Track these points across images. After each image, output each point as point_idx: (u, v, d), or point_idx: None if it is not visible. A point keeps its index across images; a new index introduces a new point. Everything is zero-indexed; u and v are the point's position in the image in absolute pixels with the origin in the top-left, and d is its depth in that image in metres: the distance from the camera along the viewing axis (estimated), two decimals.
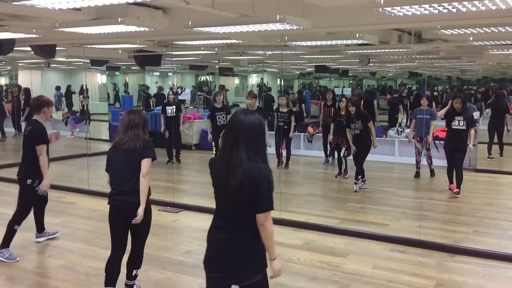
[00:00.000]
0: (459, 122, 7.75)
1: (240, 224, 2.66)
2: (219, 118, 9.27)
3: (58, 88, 18.53)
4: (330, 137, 9.48)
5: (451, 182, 7.97)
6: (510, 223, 6.54)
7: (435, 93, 18.50)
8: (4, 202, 7.04)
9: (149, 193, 3.96)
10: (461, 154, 7.79)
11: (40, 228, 5.53)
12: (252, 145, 2.66)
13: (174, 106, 10.55)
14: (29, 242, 5.37)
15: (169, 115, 10.40)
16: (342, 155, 9.10)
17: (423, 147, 8.97)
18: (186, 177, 9.64)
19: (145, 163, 3.88)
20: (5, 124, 14.33)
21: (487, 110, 13.62)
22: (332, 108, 10.28)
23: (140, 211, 3.82)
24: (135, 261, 4.07)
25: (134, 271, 4.07)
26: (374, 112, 13.44)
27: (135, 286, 4.16)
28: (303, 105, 15.62)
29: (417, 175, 9.12)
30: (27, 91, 13.91)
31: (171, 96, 10.79)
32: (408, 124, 10.75)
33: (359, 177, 8.16)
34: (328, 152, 10.39)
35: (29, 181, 5.02)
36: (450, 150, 7.90)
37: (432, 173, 9.16)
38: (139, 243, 4.06)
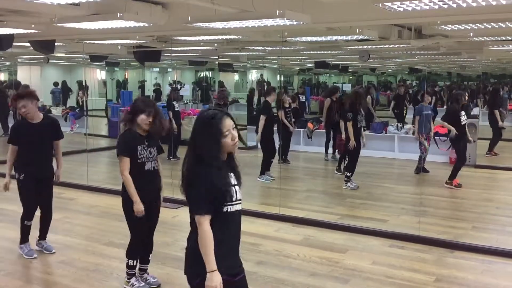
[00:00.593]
0: (464, 117, 7.91)
1: (192, 227, 2.56)
2: None
3: (56, 84, 18.47)
4: (343, 135, 9.17)
5: (455, 177, 8.01)
6: (509, 219, 6.55)
7: (437, 89, 18.42)
8: (4, 197, 7.04)
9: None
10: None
11: (41, 234, 5.20)
12: (200, 145, 2.47)
13: (178, 102, 10.92)
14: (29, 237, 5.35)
15: (177, 109, 10.62)
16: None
17: (427, 143, 8.96)
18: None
19: (119, 161, 4.05)
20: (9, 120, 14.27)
21: (485, 106, 13.62)
22: (337, 104, 10.24)
23: (134, 207, 4.02)
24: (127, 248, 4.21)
25: (126, 259, 4.16)
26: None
27: (133, 278, 4.20)
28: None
29: (418, 170, 9.09)
30: (25, 88, 13.85)
31: (176, 92, 11.00)
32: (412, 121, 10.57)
33: (350, 174, 8.07)
34: (336, 148, 10.28)
35: (16, 175, 4.90)
36: (465, 147, 7.99)
37: (425, 169, 9.14)
38: None
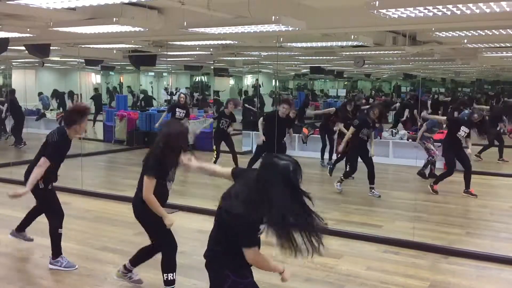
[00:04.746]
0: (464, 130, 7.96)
1: (212, 239, 2.83)
2: (222, 123, 9.61)
3: (40, 93, 18.16)
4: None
5: (438, 182, 8.09)
6: (503, 225, 6.58)
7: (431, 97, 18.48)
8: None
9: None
10: None
11: (21, 227, 5.20)
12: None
13: (184, 110, 10.48)
14: (22, 243, 5.32)
15: (177, 117, 10.18)
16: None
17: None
18: (180, 178, 9.60)
19: (144, 182, 3.82)
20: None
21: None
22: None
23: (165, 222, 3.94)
24: (161, 264, 4.13)
25: (164, 275, 4.08)
26: None
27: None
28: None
29: (428, 175, 9.11)
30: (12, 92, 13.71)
31: (182, 98, 10.66)
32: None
33: (343, 178, 8.17)
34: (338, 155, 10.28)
35: (42, 185, 4.74)
36: (454, 159, 8.02)
37: (428, 175, 9.18)
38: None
